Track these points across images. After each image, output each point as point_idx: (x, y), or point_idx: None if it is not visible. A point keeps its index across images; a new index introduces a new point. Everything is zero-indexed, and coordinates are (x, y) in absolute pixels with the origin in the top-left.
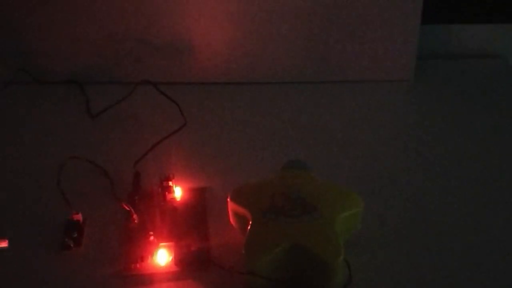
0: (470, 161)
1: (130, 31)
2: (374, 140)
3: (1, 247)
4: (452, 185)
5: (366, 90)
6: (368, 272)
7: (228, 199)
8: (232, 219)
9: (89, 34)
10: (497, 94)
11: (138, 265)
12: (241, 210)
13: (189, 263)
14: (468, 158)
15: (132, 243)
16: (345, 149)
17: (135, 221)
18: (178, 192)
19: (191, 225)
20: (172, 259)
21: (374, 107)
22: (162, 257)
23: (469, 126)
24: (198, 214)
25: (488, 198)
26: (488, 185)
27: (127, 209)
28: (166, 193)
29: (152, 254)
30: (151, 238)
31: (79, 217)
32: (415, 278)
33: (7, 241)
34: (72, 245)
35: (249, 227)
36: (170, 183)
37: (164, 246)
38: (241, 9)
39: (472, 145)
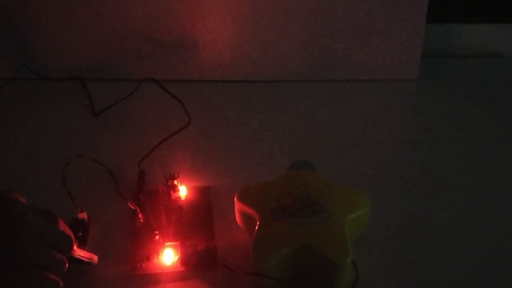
0: (475, 160)
1: (135, 28)
2: (379, 139)
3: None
4: (458, 185)
5: (372, 89)
6: (374, 273)
7: (235, 199)
8: (238, 219)
9: (92, 31)
10: (501, 93)
11: (143, 265)
12: (248, 210)
13: (195, 263)
14: (473, 157)
15: (138, 243)
16: (351, 148)
17: (141, 220)
18: (183, 191)
19: (196, 224)
20: (178, 259)
21: (380, 106)
22: (168, 256)
23: (474, 124)
24: (204, 213)
25: (494, 197)
26: (494, 184)
27: (133, 208)
28: (171, 192)
29: (157, 254)
30: (157, 237)
31: (84, 215)
32: (421, 279)
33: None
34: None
35: (256, 227)
36: (175, 182)
37: (170, 246)
38: (247, 7)
39: (477, 144)
